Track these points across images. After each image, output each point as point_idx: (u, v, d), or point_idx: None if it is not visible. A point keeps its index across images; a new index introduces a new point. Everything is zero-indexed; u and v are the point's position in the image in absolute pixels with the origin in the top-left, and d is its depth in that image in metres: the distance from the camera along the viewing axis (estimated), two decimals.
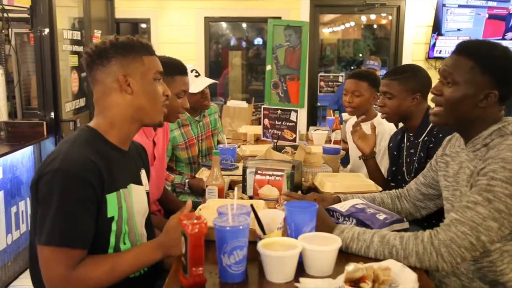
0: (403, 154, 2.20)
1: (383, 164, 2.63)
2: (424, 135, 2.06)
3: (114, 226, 1.37)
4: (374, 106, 2.85)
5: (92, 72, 1.42)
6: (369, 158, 2.26)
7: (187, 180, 2.63)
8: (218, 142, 2.98)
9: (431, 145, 1.98)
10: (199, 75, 2.74)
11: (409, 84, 2.10)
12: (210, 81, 2.75)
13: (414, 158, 2.10)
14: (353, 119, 2.96)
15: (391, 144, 2.33)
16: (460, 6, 5.45)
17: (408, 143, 2.18)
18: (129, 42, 1.42)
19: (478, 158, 1.40)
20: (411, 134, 2.16)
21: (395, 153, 2.26)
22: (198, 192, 2.58)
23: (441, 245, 1.27)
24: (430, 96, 1.61)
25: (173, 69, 2.06)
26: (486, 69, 1.37)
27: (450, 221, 1.30)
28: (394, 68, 2.25)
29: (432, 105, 1.55)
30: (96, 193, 1.30)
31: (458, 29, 5.49)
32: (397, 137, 2.28)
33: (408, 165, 2.16)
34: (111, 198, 1.35)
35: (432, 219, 1.78)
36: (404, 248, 1.30)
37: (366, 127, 2.55)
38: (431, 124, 2.00)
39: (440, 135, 1.94)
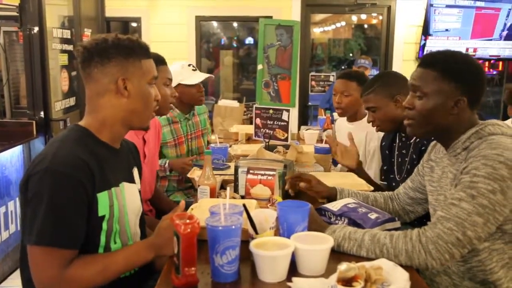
0: (394, 154, 2.21)
1: (373, 165, 2.64)
2: None
3: (105, 225, 1.36)
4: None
5: (88, 69, 1.38)
6: (358, 172, 2.24)
7: (167, 161, 2.60)
8: (208, 143, 2.98)
9: (423, 148, 1.99)
10: (196, 69, 2.79)
11: (385, 91, 2.10)
12: (207, 75, 2.79)
13: (406, 159, 2.10)
14: (342, 119, 2.96)
15: (383, 143, 2.33)
16: (448, 6, 5.46)
17: (400, 143, 2.19)
18: (131, 43, 1.39)
19: (459, 162, 1.43)
20: (403, 135, 2.17)
21: (387, 152, 2.26)
22: (179, 173, 2.57)
23: (428, 242, 1.28)
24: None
25: (156, 61, 2.11)
26: (451, 77, 1.42)
27: (437, 219, 1.32)
28: (366, 84, 2.25)
29: None
30: (87, 192, 1.28)
31: (446, 30, 5.51)
32: (389, 136, 2.28)
33: (399, 165, 2.16)
34: (102, 197, 1.34)
35: (423, 217, 1.79)
36: (394, 246, 1.31)
37: (353, 126, 2.55)
38: None
39: (432, 137, 1.95)
